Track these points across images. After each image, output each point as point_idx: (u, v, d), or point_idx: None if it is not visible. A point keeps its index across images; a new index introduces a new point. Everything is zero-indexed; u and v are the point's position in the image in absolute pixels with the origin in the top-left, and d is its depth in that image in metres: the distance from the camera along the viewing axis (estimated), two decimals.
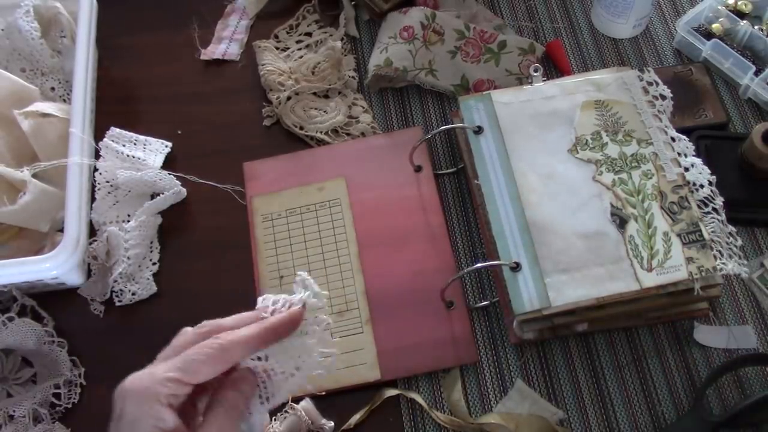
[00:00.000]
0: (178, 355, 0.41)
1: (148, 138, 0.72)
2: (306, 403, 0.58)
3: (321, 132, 0.73)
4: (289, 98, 0.73)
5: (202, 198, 0.70)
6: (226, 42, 0.79)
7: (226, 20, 0.81)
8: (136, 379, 0.40)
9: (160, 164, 0.70)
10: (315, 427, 0.58)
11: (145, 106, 0.76)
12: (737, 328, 0.61)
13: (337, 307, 0.63)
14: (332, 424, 0.58)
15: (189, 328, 0.43)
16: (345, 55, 0.76)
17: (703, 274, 0.56)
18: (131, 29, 0.81)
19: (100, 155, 0.68)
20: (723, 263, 0.57)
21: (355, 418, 0.59)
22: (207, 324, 0.43)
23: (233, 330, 0.42)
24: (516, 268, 0.58)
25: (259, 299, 0.46)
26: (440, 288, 0.62)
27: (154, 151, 0.71)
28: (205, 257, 0.67)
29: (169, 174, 0.69)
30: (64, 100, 0.74)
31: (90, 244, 0.66)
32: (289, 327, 0.44)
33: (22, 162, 0.66)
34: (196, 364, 0.40)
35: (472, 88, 0.73)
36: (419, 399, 0.59)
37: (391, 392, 0.60)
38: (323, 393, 0.57)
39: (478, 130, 0.64)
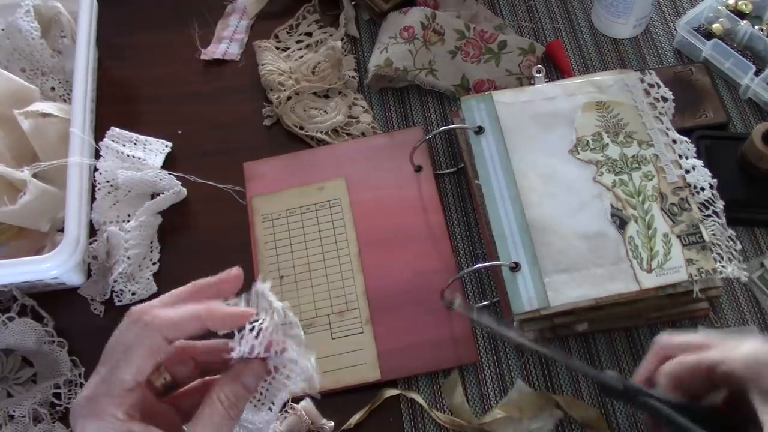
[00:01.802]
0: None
1: (148, 138, 0.72)
2: (306, 403, 0.58)
3: (321, 132, 0.73)
4: (289, 98, 0.73)
5: (202, 198, 0.70)
6: (226, 42, 0.79)
7: (226, 20, 0.81)
8: (84, 399, 0.38)
9: (160, 164, 0.70)
10: (315, 427, 0.58)
11: (145, 106, 0.76)
12: (741, 329, 0.61)
13: (337, 307, 0.63)
14: (332, 424, 0.58)
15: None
16: (345, 55, 0.76)
17: (703, 276, 0.56)
18: (131, 29, 0.81)
19: (100, 155, 0.68)
20: (722, 266, 0.57)
21: (355, 417, 0.59)
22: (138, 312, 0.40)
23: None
24: (515, 268, 0.58)
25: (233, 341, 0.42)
26: (440, 288, 0.62)
27: (154, 151, 0.71)
28: (205, 257, 0.67)
29: (169, 174, 0.69)
30: (65, 100, 0.74)
31: (90, 244, 0.66)
32: (233, 317, 0.41)
33: (22, 162, 0.66)
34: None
35: (473, 88, 0.73)
36: (419, 399, 0.59)
37: (391, 392, 0.60)
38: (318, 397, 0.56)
39: (479, 131, 0.65)
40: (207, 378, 0.44)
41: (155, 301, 0.41)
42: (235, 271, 0.43)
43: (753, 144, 0.64)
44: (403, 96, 0.75)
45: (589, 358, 0.61)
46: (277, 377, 0.41)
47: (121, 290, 0.65)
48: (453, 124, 0.68)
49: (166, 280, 0.66)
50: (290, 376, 0.41)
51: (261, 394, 0.41)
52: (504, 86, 0.73)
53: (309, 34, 0.80)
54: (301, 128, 0.73)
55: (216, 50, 0.79)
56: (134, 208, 0.68)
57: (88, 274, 0.66)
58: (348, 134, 0.73)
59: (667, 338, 0.49)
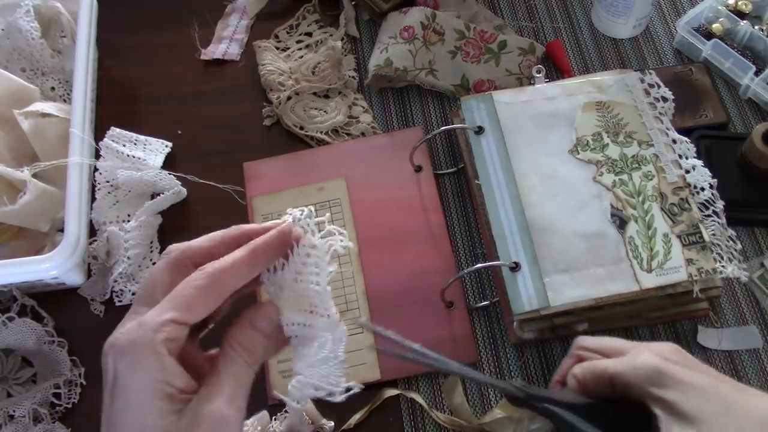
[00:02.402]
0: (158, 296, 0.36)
1: (148, 138, 0.72)
2: (306, 403, 0.58)
3: (321, 132, 0.73)
4: (289, 98, 0.73)
5: (202, 198, 0.70)
6: (226, 42, 0.79)
7: (226, 20, 0.81)
8: (124, 333, 0.35)
9: (160, 164, 0.70)
10: (315, 427, 0.58)
11: (145, 106, 0.76)
12: (741, 329, 0.61)
13: (337, 307, 0.63)
14: (332, 424, 0.58)
15: (157, 266, 0.38)
16: (345, 55, 0.76)
17: (703, 275, 0.56)
18: (131, 29, 0.81)
19: (100, 155, 0.68)
20: (722, 266, 0.57)
21: (355, 417, 0.59)
22: (175, 249, 0.38)
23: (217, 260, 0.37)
24: (515, 268, 0.58)
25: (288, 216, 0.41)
26: (440, 288, 0.62)
27: (154, 151, 0.71)
28: None
29: (169, 174, 0.68)
30: (65, 100, 0.74)
31: (90, 244, 0.66)
32: (278, 245, 0.39)
33: (22, 162, 0.66)
34: (187, 300, 0.35)
35: (473, 88, 0.73)
36: (419, 399, 0.59)
37: (391, 392, 0.60)
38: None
39: (479, 131, 0.64)
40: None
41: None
42: (286, 227, 0.40)
43: (753, 144, 0.64)
44: (403, 96, 0.75)
45: None
46: (305, 274, 0.39)
47: (121, 290, 0.65)
48: (453, 124, 0.68)
49: None
50: (318, 264, 0.39)
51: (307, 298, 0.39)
52: (504, 86, 0.73)
53: (309, 34, 0.80)
54: (301, 128, 0.73)
55: (216, 50, 0.79)
56: (134, 208, 0.68)
57: (88, 274, 0.66)
58: (348, 134, 0.73)
59: (585, 340, 0.50)
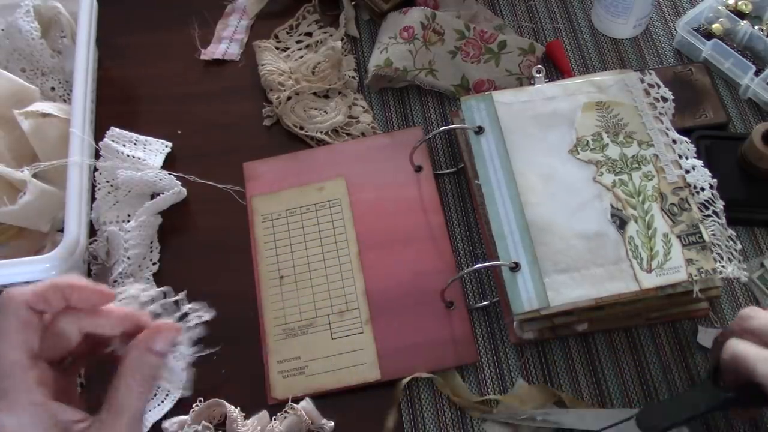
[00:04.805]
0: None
1: (148, 138, 0.72)
2: (306, 403, 0.58)
3: (321, 132, 0.73)
4: (289, 98, 0.73)
5: (202, 198, 0.70)
6: (226, 42, 0.79)
7: (226, 20, 0.81)
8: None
9: (160, 164, 0.70)
10: (315, 427, 0.58)
11: (145, 106, 0.76)
12: None
13: (337, 307, 0.63)
14: (332, 424, 0.58)
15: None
16: (345, 55, 0.76)
17: (703, 275, 0.56)
18: (131, 29, 0.81)
19: (100, 155, 0.68)
20: (722, 266, 0.57)
21: (391, 418, 0.58)
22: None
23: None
24: (515, 268, 0.58)
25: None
26: (440, 288, 0.62)
27: (154, 151, 0.71)
28: (205, 257, 0.67)
29: (169, 174, 0.69)
30: (64, 100, 0.74)
31: (90, 244, 0.66)
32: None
33: (22, 162, 0.66)
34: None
35: (472, 89, 0.73)
36: (437, 381, 0.59)
37: (406, 379, 0.60)
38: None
39: (479, 131, 0.64)
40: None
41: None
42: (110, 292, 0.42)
43: (753, 144, 0.64)
44: (403, 96, 0.75)
45: (589, 358, 0.61)
46: None
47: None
48: (453, 124, 0.68)
49: (166, 280, 0.66)
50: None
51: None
52: (504, 86, 0.73)
53: (309, 34, 0.80)
54: (301, 128, 0.73)
55: (216, 50, 0.79)
56: (134, 208, 0.68)
57: (88, 274, 0.66)
58: (348, 134, 0.73)
59: (752, 321, 0.49)
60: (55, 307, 0.39)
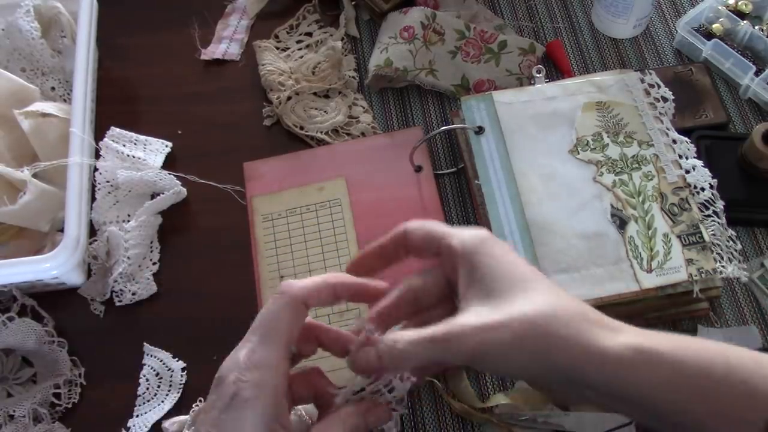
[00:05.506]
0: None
1: (149, 138, 0.72)
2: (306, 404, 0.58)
3: (321, 132, 0.73)
4: (289, 98, 0.73)
5: (202, 198, 0.70)
6: (226, 42, 0.79)
7: (226, 20, 0.81)
8: (251, 368, 0.39)
9: (161, 164, 0.70)
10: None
11: (145, 106, 0.76)
12: (741, 329, 0.61)
13: (337, 307, 0.63)
14: None
15: (279, 304, 0.41)
16: (345, 55, 0.76)
17: (703, 275, 0.56)
18: (131, 29, 0.81)
19: (100, 155, 0.68)
20: (723, 266, 0.57)
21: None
22: (289, 288, 0.42)
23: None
24: None
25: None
26: None
27: (154, 151, 0.71)
28: (205, 257, 0.67)
29: (169, 174, 0.69)
30: (65, 100, 0.74)
31: (90, 244, 0.66)
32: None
33: (22, 162, 0.66)
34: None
35: (473, 88, 0.73)
36: (437, 384, 0.59)
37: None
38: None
39: (479, 131, 0.64)
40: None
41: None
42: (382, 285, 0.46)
43: (753, 144, 0.64)
44: (403, 96, 0.75)
45: None
46: None
47: (121, 290, 0.65)
48: (453, 124, 0.68)
49: (166, 280, 0.66)
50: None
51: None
52: (504, 86, 0.73)
53: (309, 34, 0.80)
54: (301, 128, 0.73)
55: (216, 50, 0.79)
56: (134, 208, 0.68)
57: (88, 274, 0.66)
58: (348, 134, 0.73)
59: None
60: (324, 303, 0.43)
